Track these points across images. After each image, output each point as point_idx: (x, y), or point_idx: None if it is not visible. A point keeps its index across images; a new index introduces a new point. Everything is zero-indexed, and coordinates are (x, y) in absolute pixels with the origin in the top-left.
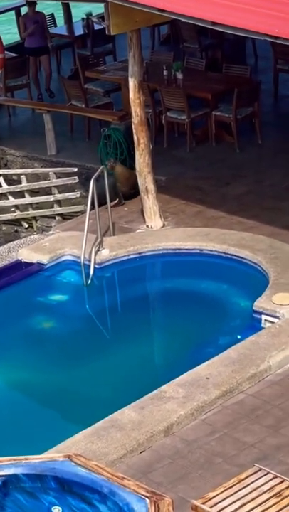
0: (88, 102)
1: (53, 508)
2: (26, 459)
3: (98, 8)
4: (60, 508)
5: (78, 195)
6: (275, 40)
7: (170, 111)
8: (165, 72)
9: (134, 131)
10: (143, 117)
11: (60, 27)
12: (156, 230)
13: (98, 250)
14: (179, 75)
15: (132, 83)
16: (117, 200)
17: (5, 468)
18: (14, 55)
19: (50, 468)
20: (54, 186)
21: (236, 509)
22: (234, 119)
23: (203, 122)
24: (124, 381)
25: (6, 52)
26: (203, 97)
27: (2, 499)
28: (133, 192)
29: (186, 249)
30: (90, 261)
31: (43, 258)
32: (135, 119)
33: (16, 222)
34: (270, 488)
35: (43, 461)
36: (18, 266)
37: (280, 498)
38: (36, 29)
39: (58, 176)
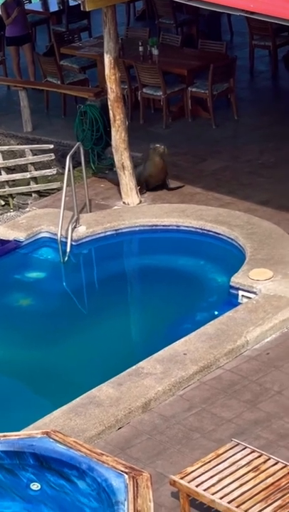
0: (64, 78)
1: (31, 485)
2: (4, 436)
3: None
4: (38, 485)
5: (54, 172)
6: (250, 16)
7: (146, 87)
8: (141, 49)
9: (110, 107)
10: (119, 93)
11: (35, 3)
12: (133, 206)
13: (75, 227)
14: (155, 51)
15: (107, 59)
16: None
17: None
18: None
19: (29, 445)
20: (30, 163)
21: (214, 483)
22: (210, 95)
23: (179, 98)
24: (101, 357)
25: None
26: (179, 73)
27: None
28: (158, 185)
29: (163, 226)
30: (66, 238)
31: (20, 235)
32: (111, 96)
33: None
34: (248, 463)
35: (21, 438)
36: None
37: (257, 473)
38: (20, 13)
39: (34, 153)
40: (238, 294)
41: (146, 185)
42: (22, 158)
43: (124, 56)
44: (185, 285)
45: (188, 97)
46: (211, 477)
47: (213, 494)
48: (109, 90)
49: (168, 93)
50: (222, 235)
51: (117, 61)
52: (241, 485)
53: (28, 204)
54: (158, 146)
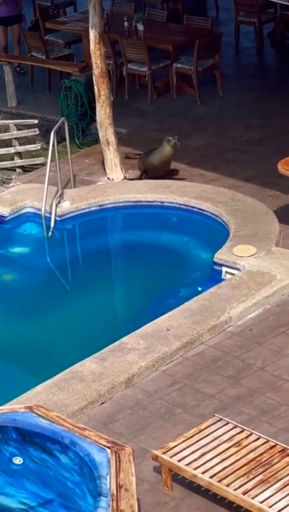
0: (49, 53)
1: (14, 459)
2: None
3: None
4: (21, 459)
5: (39, 148)
6: None
7: (131, 63)
8: (126, 24)
9: (94, 82)
10: (104, 69)
11: None
12: (117, 182)
13: (59, 202)
14: (140, 27)
15: (92, 34)
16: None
17: None
18: None
19: (11, 420)
20: (14, 138)
21: (196, 458)
22: (195, 71)
23: (164, 74)
24: (84, 333)
25: None
26: (164, 49)
27: None
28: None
29: (147, 202)
30: (50, 213)
31: (4, 210)
32: (96, 71)
33: None
34: (230, 438)
35: (4, 412)
36: None
37: (239, 448)
38: None
39: (19, 128)
40: (221, 271)
41: (146, 173)
42: (6, 133)
43: (110, 31)
44: (169, 261)
45: (173, 73)
46: (193, 452)
47: (195, 469)
48: (94, 65)
49: (153, 69)
50: (206, 211)
51: (102, 36)
52: (223, 460)
53: (12, 179)
54: (171, 138)
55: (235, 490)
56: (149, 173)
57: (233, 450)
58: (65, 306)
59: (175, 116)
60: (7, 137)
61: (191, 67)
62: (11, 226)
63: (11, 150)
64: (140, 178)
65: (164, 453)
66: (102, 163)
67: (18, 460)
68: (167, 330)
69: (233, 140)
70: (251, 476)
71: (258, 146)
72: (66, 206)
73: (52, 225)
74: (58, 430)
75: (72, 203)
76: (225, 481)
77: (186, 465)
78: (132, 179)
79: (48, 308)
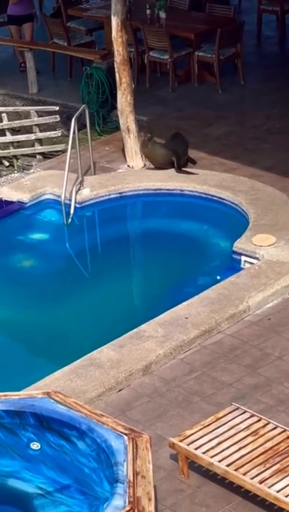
0: (70, 40)
1: (31, 444)
2: (5, 395)
3: None
4: (38, 444)
5: (59, 134)
6: None
7: (153, 50)
8: (148, 11)
9: (116, 70)
10: (125, 56)
11: None
12: (137, 169)
13: (79, 189)
14: (162, 14)
15: (114, 22)
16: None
17: None
18: None
19: (29, 405)
20: (35, 125)
21: (213, 447)
22: (217, 60)
23: (186, 62)
24: (103, 320)
25: None
26: (186, 37)
27: None
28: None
29: (167, 190)
30: (70, 200)
31: (24, 197)
32: (117, 58)
33: None
34: (247, 427)
35: (22, 397)
36: None
37: (256, 437)
38: None
39: (40, 114)
40: (240, 260)
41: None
42: (27, 120)
43: (132, 19)
44: (188, 249)
45: (194, 61)
46: (210, 440)
47: (211, 457)
48: (115, 53)
49: (174, 57)
50: (226, 200)
51: (125, 24)
52: (240, 448)
53: (32, 165)
54: (142, 134)
55: (252, 479)
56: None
57: (250, 439)
58: (83, 293)
59: (196, 104)
60: (28, 123)
61: (212, 56)
62: (30, 212)
63: (32, 136)
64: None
65: (181, 441)
66: (123, 150)
67: (35, 445)
68: (186, 318)
69: (254, 129)
70: (268, 465)
71: (278, 135)
72: (86, 193)
73: (71, 211)
74: (75, 416)
75: (92, 190)
76: (241, 470)
77: (203, 453)
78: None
79: (67, 295)
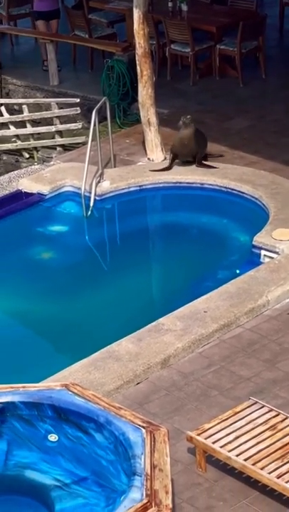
0: (92, 32)
1: (49, 436)
2: (24, 387)
3: None
4: (56, 436)
5: (80, 127)
6: None
7: (174, 43)
8: (170, 4)
9: (137, 62)
10: (147, 49)
11: None
12: (158, 162)
13: (99, 182)
14: (184, 7)
15: (136, 14)
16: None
17: (2, 395)
18: None
19: (47, 397)
20: (56, 117)
21: (231, 441)
22: (238, 53)
23: (207, 55)
24: (122, 313)
25: None
26: (208, 30)
27: None
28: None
29: (187, 183)
30: (90, 192)
31: (44, 189)
32: (139, 51)
33: (17, 152)
34: (265, 421)
35: (40, 389)
36: (19, 196)
37: (274, 431)
38: None
39: (60, 106)
40: (260, 254)
41: (176, 157)
42: (48, 112)
43: (153, 11)
44: (207, 243)
45: (216, 54)
46: (228, 434)
47: (229, 451)
48: (137, 45)
49: (196, 50)
50: (246, 194)
51: (146, 16)
52: (258, 443)
53: (52, 157)
54: (183, 118)
55: (270, 473)
56: (177, 157)
57: (267, 433)
58: (102, 286)
59: (217, 98)
60: (48, 115)
61: (234, 49)
62: (50, 204)
63: (52, 128)
64: (169, 166)
65: (198, 434)
66: (143, 143)
67: (53, 437)
68: (204, 312)
69: (275, 123)
70: (286, 460)
71: None
72: (106, 186)
73: (91, 204)
74: (93, 409)
75: (112, 182)
76: (259, 464)
77: (221, 447)
78: (158, 170)
79: (86, 287)
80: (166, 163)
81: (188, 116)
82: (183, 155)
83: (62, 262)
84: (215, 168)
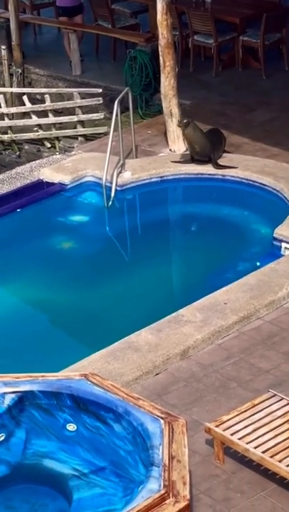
0: (115, 22)
1: (67, 425)
2: (43, 376)
3: None
4: (75, 426)
5: (102, 117)
6: None
7: (197, 34)
8: None
9: (160, 53)
10: (170, 40)
11: None
12: (179, 153)
13: (120, 172)
14: None
15: (159, 5)
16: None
17: (21, 384)
18: None
19: (66, 387)
20: (78, 107)
21: (249, 433)
22: (262, 45)
23: (230, 47)
24: (142, 303)
25: None
26: (231, 22)
27: (18, 415)
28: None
29: (209, 175)
30: (111, 183)
31: (65, 178)
32: (162, 42)
33: (39, 141)
34: (284, 414)
35: (60, 379)
36: (40, 185)
37: None
38: None
39: (82, 96)
40: (281, 246)
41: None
42: (70, 102)
43: (177, 2)
44: (228, 235)
45: (239, 45)
46: (246, 426)
47: (247, 443)
48: (160, 36)
49: (219, 41)
50: (267, 186)
51: (170, 7)
52: (276, 435)
53: (74, 147)
54: (179, 120)
55: (288, 466)
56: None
57: (286, 426)
58: (122, 276)
59: (239, 89)
60: (70, 105)
61: (257, 41)
62: (71, 194)
63: (74, 118)
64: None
65: (217, 426)
66: (165, 134)
67: (71, 427)
68: (224, 304)
69: None
70: None
71: None
72: (127, 176)
73: (112, 194)
74: (112, 399)
75: (134, 173)
76: (277, 457)
77: (239, 439)
78: (179, 161)
79: (106, 278)
80: (188, 155)
81: (185, 120)
82: (195, 154)
83: (83, 252)
84: (234, 168)
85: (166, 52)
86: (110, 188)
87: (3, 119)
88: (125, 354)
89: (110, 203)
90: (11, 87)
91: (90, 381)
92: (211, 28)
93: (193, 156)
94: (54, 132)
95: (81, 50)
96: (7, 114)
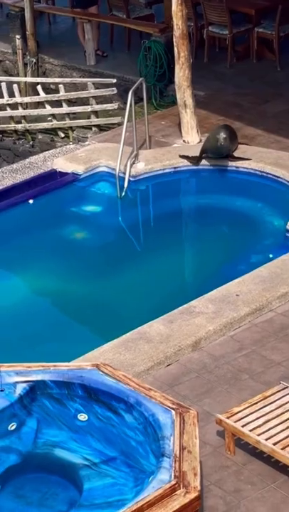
0: (130, 12)
1: (79, 415)
2: (55, 366)
3: None
4: (86, 416)
5: (116, 107)
6: None
7: (212, 25)
8: None
9: (174, 44)
10: (185, 30)
11: None
12: (193, 145)
13: (133, 163)
14: None
15: None
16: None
17: (33, 373)
18: None
19: (78, 376)
20: (92, 97)
21: (260, 425)
22: (277, 36)
23: (245, 38)
24: (154, 294)
25: None
26: (247, 13)
27: (29, 404)
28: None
29: (222, 166)
30: (124, 173)
31: (78, 168)
32: (176, 32)
33: (52, 131)
34: None
35: (71, 368)
36: (53, 175)
37: None
38: None
39: (96, 86)
40: None
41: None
42: (84, 92)
43: None
44: (241, 227)
45: (254, 37)
46: (258, 418)
47: (258, 435)
48: (175, 27)
49: (234, 32)
50: (281, 178)
51: None
52: (287, 427)
53: (87, 137)
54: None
55: None
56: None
57: None
58: (135, 267)
59: (254, 81)
60: (84, 95)
61: (272, 32)
62: (84, 184)
63: (88, 108)
64: (198, 160)
65: (228, 417)
66: (179, 125)
67: (83, 417)
68: (237, 295)
69: None
70: None
71: None
72: (140, 167)
73: (125, 185)
74: (123, 389)
75: (147, 164)
76: (288, 449)
77: (250, 431)
78: (187, 158)
79: (118, 268)
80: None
81: (224, 136)
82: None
83: (95, 242)
84: (248, 160)
85: (180, 43)
86: (123, 178)
87: (17, 109)
88: (137, 345)
89: (123, 193)
90: (25, 76)
91: (102, 371)
92: (226, 19)
93: (206, 156)
94: (68, 122)
95: (99, 42)
96: (21, 104)
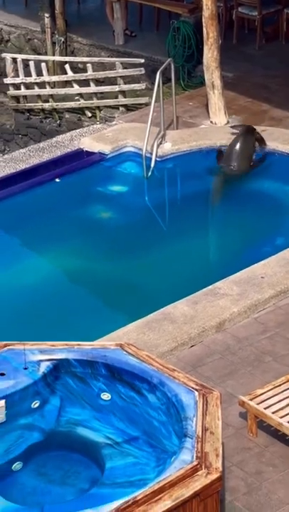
0: None
1: (102, 394)
2: (79, 344)
3: None
4: (109, 395)
5: (144, 87)
6: None
7: (241, 6)
8: None
9: (204, 24)
10: (214, 11)
11: None
12: (220, 126)
13: (160, 143)
14: None
15: None
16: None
17: (57, 352)
18: None
19: (102, 356)
20: (120, 77)
21: (283, 407)
22: None
23: (275, 19)
24: (179, 275)
25: None
26: None
27: (53, 382)
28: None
29: None
30: (151, 153)
31: (105, 148)
32: (206, 13)
33: (80, 110)
34: None
35: (95, 348)
36: (80, 154)
37: None
38: None
39: (124, 66)
40: None
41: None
42: (112, 71)
43: None
44: (267, 209)
45: (283, 18)
46: (280, 401)
47: (281, 417)
48: (204, 7)
49: (263, 13)
50: None
51: None
52: None
53: (114, 117)
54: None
55: None
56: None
57: None
58: (160, 247)
59: (283, 62)
60: (112, 75)
61: None
62: (111, 164)
63: (116, 88)
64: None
65: (251, 399)
66: (206, 106)
67: (106, 396)
68: (261, 277)
69: None
70: None
71: None
72: (167, 147)
73: (152, 165)
74: (147, 369)
75: (174, 144)
76: None
77: (273, 413)
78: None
79: (144, 248)
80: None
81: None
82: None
83: (121, 222)
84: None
85: (209, 24)
86: (150, 158)
87: (45, 88)
88: (161, 325)
89: (150, 173)
90: (54, 55)
91: (126, 351)
92: (255, 0)
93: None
94: (95, 102)
95: (128, 22)
96: (49, 83)
